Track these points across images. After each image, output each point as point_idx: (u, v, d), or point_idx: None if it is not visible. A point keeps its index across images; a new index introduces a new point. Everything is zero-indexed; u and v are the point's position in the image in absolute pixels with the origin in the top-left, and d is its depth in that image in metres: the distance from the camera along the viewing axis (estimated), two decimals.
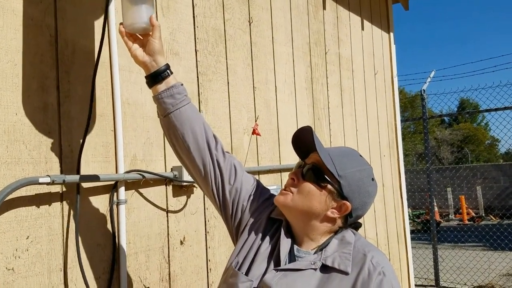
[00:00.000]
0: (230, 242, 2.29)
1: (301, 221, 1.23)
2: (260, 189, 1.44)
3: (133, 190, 1.84)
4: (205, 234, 2.16)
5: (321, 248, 1.20)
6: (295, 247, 1.24)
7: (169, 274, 1.96)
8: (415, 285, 6.57)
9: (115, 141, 1.77)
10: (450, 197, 14.80)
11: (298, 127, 3.10)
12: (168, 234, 1.98)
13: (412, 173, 15.33)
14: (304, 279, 1.14)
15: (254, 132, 2.33)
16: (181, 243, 2.03)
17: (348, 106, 3.63)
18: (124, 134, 1.81)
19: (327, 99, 3.34)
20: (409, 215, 13.73)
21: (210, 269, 2.17)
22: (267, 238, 1.30)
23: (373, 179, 1.26)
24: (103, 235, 1.72)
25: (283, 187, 1.30)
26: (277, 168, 2.72)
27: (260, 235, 1.32)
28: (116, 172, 1.76)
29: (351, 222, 1.27)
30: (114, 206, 1.75)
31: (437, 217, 13.44)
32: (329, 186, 1.20)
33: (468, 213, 14.04)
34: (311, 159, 1.25)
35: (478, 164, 17.67)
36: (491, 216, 14.04)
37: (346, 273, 1.12)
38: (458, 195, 14.49)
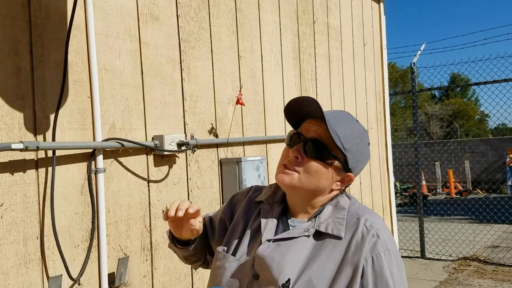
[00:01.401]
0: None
1: (305, 198, 1.19)
2: (226, 207, 1.39)
3: (112, 159, 1.81)
4: None
5: (315, 215, 1.18)
6: (290, 217, 1.22)
7: (151, 243, 1.95)
8: (401, 257, 6.69)
9: (92, 108, 1.72)
10: (438, 171, 14.95)
11: (285, 99, 3.08)
12: (149, 203, 1.95)
13: (401, 147, 15.44)
14: (298, 246, 1.12)
15: (238, 102, 2.29)
16: (163, 212, 2.01)
17: (336, 78, 3.59)
18: (102, 101, 1.76)
19: (315, 70, 3.29)
20: (397, 188, 13.91)
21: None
22: (252, 220, 1.28)
23: (369, 144, 1.23)
24: (82, 204, 1.69)
25: (281, 163, 1.19)
26: (262, 140, 2.70)
27: (242, 222, 1.30)
28: (94, 140, 1.72)
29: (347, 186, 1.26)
30: (93, 175, 1.72)
31: (425, 191, 13.61)
32: (336, 162, 1.14)
33: (455, 187, 14.23)
34: (311, 131, 1.15)
35: (466, 139, 17.82)
36: (478, 190, 14.25)
37: (339, 238, 1.10)
38: (446, 169, 14.65)
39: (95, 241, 1.72)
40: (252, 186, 1.41)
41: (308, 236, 1.13)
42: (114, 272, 1.76)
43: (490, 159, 14.79)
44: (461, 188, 14.23)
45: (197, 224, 1.13)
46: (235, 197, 1.37)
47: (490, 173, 14.25)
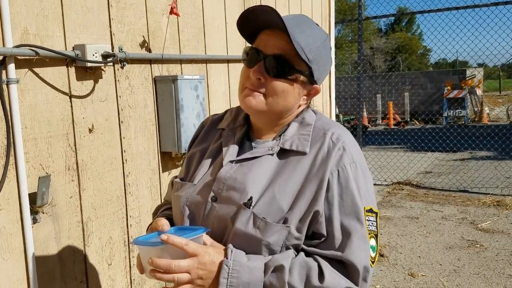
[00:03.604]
0: (148, 133, 2.17)
1: (272, 119, 1.10)
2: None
3: (27, 69, 1.61)
4: (119, 124, 2.01)
5: (280, 134, 1.10)
6: (254, 140, 1.13)
7: (77, 163, 1.82)
8: None
9: (0, 8, 1.50)
10: (379, 103, 15.41)
11: (227, 15, 2.90)
12: (73, 121, 1.80)
13: (347, 81, 15.66)
14: (260, 165, 1.05)
15: (172, 12, 2.10)
16: (90, 131, 1.87)
17: None
18: (11, 1, 1.53)
19: None
20: (340, 120, 14.28)
21: (126, 160, 2.05)
22: (211, 146, 1.19)
23: (330, 48, 1.14)
24: None
25: (243, 85, 1.09)
26: (202, 58, 2.54)
27: (198, 151, 1.21)
28: (4, 46, 1.52)
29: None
30: (4, 86, 1.53)
31: (365, 122, 14.08)
32: (301, 77, 1.06)
33: (394, 118, 14.81)
34: (270, 46, 1.04)
35: (408, 72, 18.33)
36: (416, 121, 14.92)
37: (304, 153, 1.04)
38: (388, 101, 15.12)
39: (11, 159, 1.57)
40: (205, 119, 1.31)
41: (272, 154, 1.07)
42: (35, 192, 1.63)
43: (429, 91, 15.39)
44: (399, 119, 14.83)
45: (165, 226, 1.01)
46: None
47: (428, 105, 14.89)
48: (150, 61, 2.16)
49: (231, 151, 1.12)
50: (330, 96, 4.37)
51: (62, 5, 1.72)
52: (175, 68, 2.32)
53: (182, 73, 2.37)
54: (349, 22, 12.92)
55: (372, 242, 1.03)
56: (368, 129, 13.73)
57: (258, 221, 0.99)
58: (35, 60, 1.62)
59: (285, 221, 0.99)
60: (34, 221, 1.65)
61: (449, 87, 14.06)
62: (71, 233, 1.80)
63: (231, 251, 0.96)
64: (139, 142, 2.11)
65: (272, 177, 1.04)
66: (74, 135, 1.81)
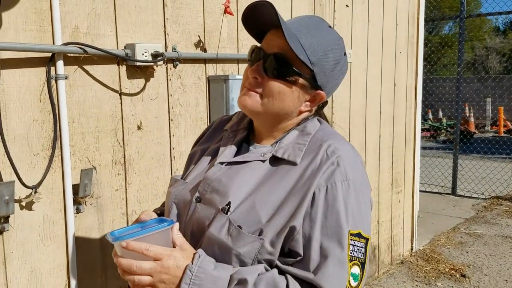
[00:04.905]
0: (199, 132, 2.17)
1: (270, 122, 1.05)
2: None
3: (76, 66, 1.70)
4: (169, 122, 2.04)
5: (277, 140, 1.04)
6: (253, 144, 1.09)
7: (124, 157, 1.88)
8: (431, 192, 6.48)
9: (51, 8, 1.59)
10: (489, 108, 14.10)
11: (293, 12, 2.81)
12: (122, 117, 1.86)
13: (451, 82, 14.55)
14: (248, 170, 1.00)
15: (226, 11, 2.08)
16: (138, 128, 1.92)
17: None
18: (62, 1, 1.62)
19: None
20: (443, 124, 13.31)
21: (174, 157, 2.08)
22: (210, 147, 1.17)
23: (345, 54, 1.04)
24: (41, 111, 1.61)
25: (243, 84, 1.05)
26: None
27: (199, 150, 1.19)
28: (53, 44, 1.61)
29: (321, 107, 1.11)
30: (53, 82, 1.63)
31: (472, 128, 12.97)
32: (300, 79, 0.99)
33: (505, 125, 13.44)
34: (272, 46, 1.00)
35: None
36: None
37: (295, 164, 0.97)
38: (498, 106, 13.77)
39: (57, 151, 1.66)
40: (213, 121, 1.29)
41: (264, 161, 1.00)
42: (78, 184, 1.72)
43: None
44: (511, 126, 13.43)
45: (143, 216, 1.02)
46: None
47: None
48: (205, 61, 2.16)
49: (226, 153, 1.06)
50: (415, 98, 4.05)
51: (114, 4, 1.79)
52: (231, 68, 2.30)
53: (239, 73, 2.34)
54: (449, 19, 11.93)
55: (355, 270, 0.90)
56: (474, 136, 12.62)
57: (232, 228, 0.92)
58: (86, 57, 1.69)
59: (260, 232, 0.91)
60: (77, 211, 1.74)
61: None
62: (114, 225, 1.87)
63: (199, 256, 0.90)
64: (188, 140, 2.12)
65: (257, 184, 0.97)
66: (123, 131, 1.87)
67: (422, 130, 13.21)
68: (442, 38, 19.77)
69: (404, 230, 4.07)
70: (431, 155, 8.55)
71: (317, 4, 2.85)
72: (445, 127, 13.34)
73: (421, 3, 3.89)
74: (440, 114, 14.70)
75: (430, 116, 14.35)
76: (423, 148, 9.50)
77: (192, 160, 1.18)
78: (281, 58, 0.97)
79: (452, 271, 3.80)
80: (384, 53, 3.54)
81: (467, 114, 13.13)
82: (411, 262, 3.98)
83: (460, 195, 6.27)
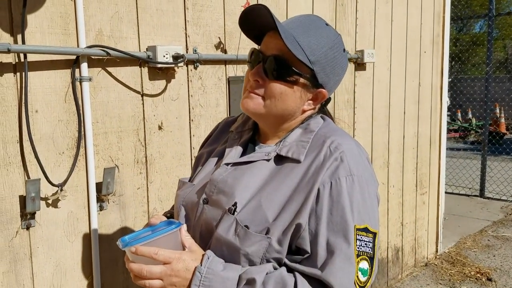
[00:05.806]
0: None
1: (274, 123, 1.07)
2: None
3: (100, 68, 1.75)
4: (189, 122, 2.08)
5: (282, 139, 1.06)
6: (259, 144, 1.11)
7: (146, 157, 1.93)
8: (459, 194, 6.34)
9: (76, 12, 1.65)
10: None
11: (315, 13, 2.80)
12: (144, 118, 1.91)
13: (479, 81, 14.20)
14: (253, 170, 1.02)
15: None
16: (159, 128, 1.96)
17: None
18: (86, 4, 1.67)
19: None
20: (472, 125, 13.00)
21: (195, 157, 2.11)
22: (217, 148, 1.20)
23: (344, 50, 1.06)
24: (66, 112, 1.67)
25: (244, 87, 1.08)
26: None
27: (206, 152, 1.22)
28: (78, 47, 1.66)
29: (324, 104, 1.12)
30: (78, 83, 1.68)
31: (503, 129, 12.62)
32: (301, 79, 1.01)
33: None
34: (270, 48, 1.01)
35: None
36: None
37: (299, 161, 0.98)
38: None
39: (82, 150, 1.72)
40: (219, 123, 1.32)
41: (268, 160, 1.02)
42: (102, 182, 1.77)
43: None
44: None
45: (153, 220, 1.03)
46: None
47: None
48: (225, 62, 2.19)
49: (232, 154, 1.08)
50: (441, 98, 3.98)
51: (137, 8, 1.83)
52: None
53: None
54: (477, 18, 11.64)
55: (364, 265, 0.91)
56: (505, 137, 12.27)
57: (239, 228, 0.94)
58: (109, 60, 1.74)
59: (267, 231, 0.93)
60: (101, 208, 1.79)
61: None
62: (136, 222, 1.92)
63: (208, 258, 0.92)
64: None
65: (263, 183, 0.99)
66: (144, 131, 1.91)
67: (451, 130, 12.94)
68: (472, 36, 19.29)
69: (428, 232, 4.00)
70: (459, 156, 8.37)
71: (338, 4, 2.84)
72: (474, 128, 13.02)
73: (446, 2, 3.83)
74: (470, 114, 14.34)
75: (459, 117, 14.03)
76: (451, 149, 9.30)
77: (199, 162, 1.21)
78: (280, 60, 0.98)
79: (478, 275, 3.72)
80: (408, 53, 3.50)
81: (498, 115, 12.78)
82: (436, 265, 3.91)
83: (488, 197, 6.12)
